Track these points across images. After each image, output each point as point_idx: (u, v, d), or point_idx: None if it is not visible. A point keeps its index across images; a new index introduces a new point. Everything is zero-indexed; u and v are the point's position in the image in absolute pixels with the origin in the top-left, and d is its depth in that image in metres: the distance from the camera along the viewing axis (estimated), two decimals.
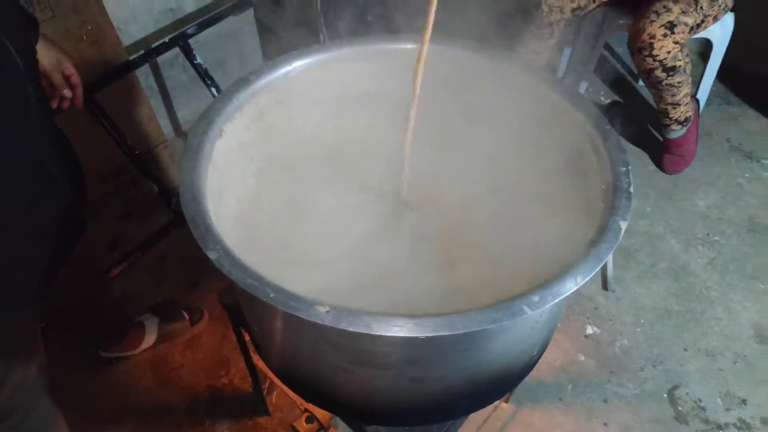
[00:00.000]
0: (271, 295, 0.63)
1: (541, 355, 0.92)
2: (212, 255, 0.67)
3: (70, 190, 0.82)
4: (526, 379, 1.51)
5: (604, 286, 0.82)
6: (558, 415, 1.45)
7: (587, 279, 0.66)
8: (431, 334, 0.60)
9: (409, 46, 1.02)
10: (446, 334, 0.61)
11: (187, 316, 1.57)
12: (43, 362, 0.92)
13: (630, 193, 0.76)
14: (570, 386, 1.52)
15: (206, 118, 0.85)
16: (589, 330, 1.64)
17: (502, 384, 0.85)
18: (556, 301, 0.64)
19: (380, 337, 0.61)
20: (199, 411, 1.46)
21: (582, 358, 1.58)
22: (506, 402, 1.45)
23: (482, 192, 1.00)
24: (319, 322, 0.61)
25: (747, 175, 2.10)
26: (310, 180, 1.02)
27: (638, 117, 2.28)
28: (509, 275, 0.74)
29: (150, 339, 1.53)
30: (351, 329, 0.61)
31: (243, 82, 0.91)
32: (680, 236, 1.90)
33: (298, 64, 0.96)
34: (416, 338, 0.61)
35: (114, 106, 1.61)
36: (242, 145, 0.92)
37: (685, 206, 1.99)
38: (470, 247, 0.93)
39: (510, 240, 0.87)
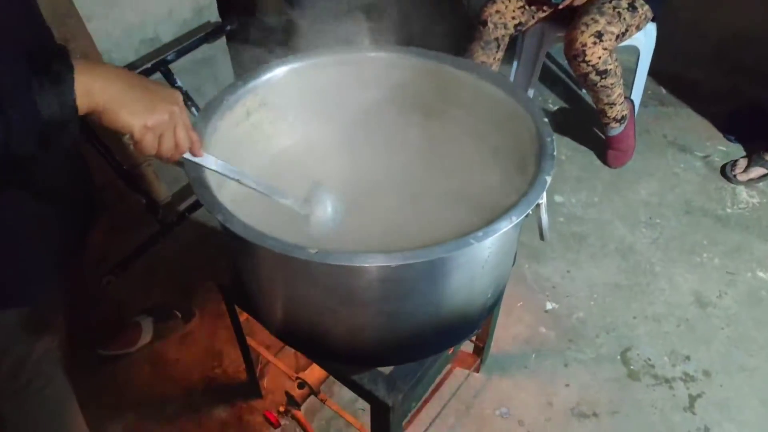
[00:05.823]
0: (272, 243, 0.78)
1: (496, 301, 1.09)
2: (219, 217, 0.82)
3: (90, 176, 0.96)
4: (494, 351, 1.67)
5: (541, 236, 1.00)
6: (524, 380, 1.61)
7: (521, 218, 0.83)
8: (401, 263, 0.76)
9: (372, 54, 1.20)
10: (411, 262, 0.77)
11: (179, 315, 1.69)
12: (63, 338, 1.04)
13: (554, 156, 0.94)
14: (534, 355, 1.68)
15: (203, 117, 1.00)
16: (549, 306, 1.81)
17: (464, 323, 1.01)
18: (496, 235, 0.80)
19: (359, 268, 0.77)
20: (195, 400, 1.57)
21: (543, 330, 1.75)
22: (477, 372, 1.60)
23: (442, 163, 1.18)
24: (310, 259, 0.76)
25: (682, 165, 2.34)
26: (289, 169, 1.17)
27: (583, 120, 2.51)
28: (461, 220, 0.90)
29: (146, 337, 1.64)
30: (334, 263, 0.76)
31: (232, 87, 1.08)
32: (626, 221, 2.10)
33: (278, 70, 1.13)
34: (388, 267, 0.77)
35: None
36: (233, 141, 1.07)
37: (629, 195, 2.21)
38: (435, 197, 1.10)
39: (464, 194, 1.05)
